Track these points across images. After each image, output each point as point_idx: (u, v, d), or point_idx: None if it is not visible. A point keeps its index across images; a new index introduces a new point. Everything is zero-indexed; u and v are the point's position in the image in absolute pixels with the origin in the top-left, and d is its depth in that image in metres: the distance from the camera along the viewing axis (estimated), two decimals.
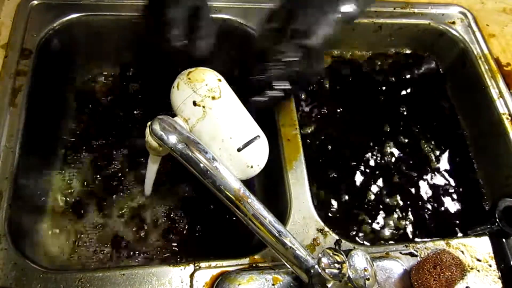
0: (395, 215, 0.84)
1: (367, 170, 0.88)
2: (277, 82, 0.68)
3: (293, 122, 0.77)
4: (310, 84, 0.88)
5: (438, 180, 0.90)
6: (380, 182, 0.87)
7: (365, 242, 0.80)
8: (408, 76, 1.00)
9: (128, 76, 0.92)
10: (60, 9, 0.81)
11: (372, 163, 0.90)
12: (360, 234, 0.81)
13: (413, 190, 0.88)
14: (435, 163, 0.92)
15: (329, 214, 0.82)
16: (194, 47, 0.70)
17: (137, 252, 0.75)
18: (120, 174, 0.81)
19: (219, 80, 0.61)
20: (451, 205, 0.87)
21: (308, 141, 0.88)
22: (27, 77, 0.73)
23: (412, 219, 0.84)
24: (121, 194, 0.80)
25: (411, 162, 0.91)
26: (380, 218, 0.83)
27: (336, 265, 0.50)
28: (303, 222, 0.67)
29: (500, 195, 0.79)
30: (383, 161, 0.90)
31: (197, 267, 0.60)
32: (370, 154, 0.90)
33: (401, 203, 0.86)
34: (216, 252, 0.77)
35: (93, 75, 0.92)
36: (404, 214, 0.85)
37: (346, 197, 0.85)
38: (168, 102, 0.62)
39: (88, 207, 0.78)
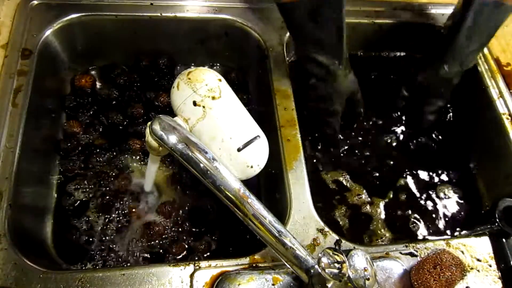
0: (395, 215, 0.84)
1: (367, 170, 0.89)
2: None
3: (293, 122, 0.77)
4: None
5: (439, 180, 0.90)
6: (379, 182, 0.88)
7: (365, 242, 0.80)
8: (407, 76, 1.00)
9: (129, 75, 0.92)
10: (60, 9, 0.81)
11: (371, 163, 0.90)
12: (361, 234, 0.81)
13: (412, 190, 0.88)
14: (435, 163, 0.91)
15: (330, 214, 0.82)
16: None
17: (137, 252, 0.75)
18: (119, 173, 0.81)
19: (219, 80, 0.61)
20: (451, 205, 0.87)
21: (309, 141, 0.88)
22: (27, 77, 0.73)
23: (412, 219, 0.84)
24: (120, 193, 0.80)
25: (411, 162, 0.91)
26: (380, 218, 0.83)
27: (336, 265, 0.50)
28: (303, 222, 0.67)
29: (500, 195, 0.79)
30: (382, 161, 0.90)
31: (197, 267, 0.60)
32: (369, 154, 0.91)
33: (401, 203, 0.86)
34: (216, 252, 0.77)
35: (93, 75, 0.92)
36: (404, 214, 0.85)
37: (346, 197, 0.85)
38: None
39: (88, 206, 0.78)
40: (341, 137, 0.89)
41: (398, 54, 1.01)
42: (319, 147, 0.87)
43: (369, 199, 0.85)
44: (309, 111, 0.82)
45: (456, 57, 0.80)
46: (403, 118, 0.95)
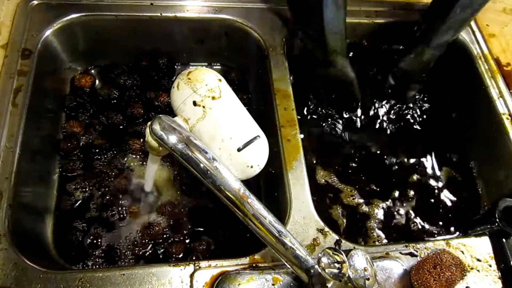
0: (395, 215, 0.84)
1: (367, 171, 0.89)
2: None
3: (293, 122, 0.77)
4: None
5: (438, 180, 0.90)
6: (379, 182, 0.87)
7: (365, 242, 0.80)
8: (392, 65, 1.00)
9: (129, 75, 0.92)
10: (60, 9, 0.81)
11: (371, 163, 0.90)
12: (361, 234, 0.81)
13: (413, 190, 0.88)
14: (435, 163, 0.92)
15: (329, 214, 0.82)
16: None
17: (137, 252, 0.75)
18: (119, 173, 0.81)
19: (219, 80, 0.61)
20: (451, 205, 0.87)
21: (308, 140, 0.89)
22: (27, 77, 0.73)
23: (413, 219, 0.84)
24: (120, 193, 0.80)
25: (411, 162, 0.91)
26: (380, 218, 0.83)
27: (336, 265, 0.50)
28: (303, 222, 0.67)
29: (500, 195, 0.79)
30: (382, 162, 0.90)
31: (197, 267, 0.60)
32: (368, 154, 0.90)
33: (401, 203, 0.86)
34: (216, 252, 0.77)
35: (93, 75, 0.92)
36: (404, 214, 0.85)
37: (346, 198, 0.85)
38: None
39: (88, 206, 0.78)
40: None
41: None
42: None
43: (368, 199, 0.85)
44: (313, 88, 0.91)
45: (437, 42, 0.84)
46: (404, 118, 0.95)
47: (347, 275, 0.50)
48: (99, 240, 0.75)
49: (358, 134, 0.92)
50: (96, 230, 0.76)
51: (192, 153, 0.53)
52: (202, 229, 0.78)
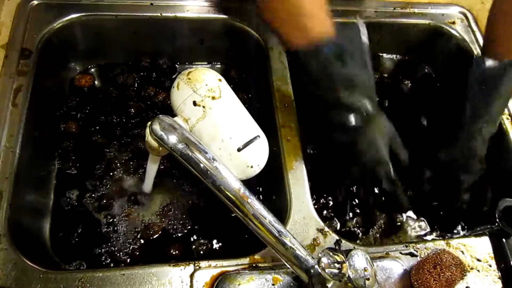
0: (395, 215, 0.84)
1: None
2: None
3: (293, 122, 0.77)
4: None
5: (438, 180, 0.89)
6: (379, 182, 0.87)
7: (365, 242, 0.80)
8: (407, 76, 1.01)
9: (129, 75, 0.92)
10: (60, 9, 0.82)
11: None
12: (360, 234, 0.81)
13: (413, 190, 0.87)
14: (435, 163, 0.91)
15: (329, 213, 0.82)
16: None
17: (136, 252, 0.75)
18: (119, 173, 0.81)
19: (219, 80, 0.61)
20: (451, 205, 0.87)
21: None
22: (27, 77, 0.73)
23: (412, 219, 0.84)
24: (119, 193, 0.80)
25: (411, 162, 0.91)
26: (380, 217, 0.83)
27: (336, 265, 0.50)
28: (303, 222, 0.67)
29: (500, 195, 0.79)
30: None
31: (197, 267, 0.60)
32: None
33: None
34: (216, 252, 0.77)
35: (93, 75, 0.92)
36: (404, 213, 0.85)
37: (346, 196, 0.85)
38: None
39: (88, 206, 0.78)
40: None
41: (397, 57, 1.02)
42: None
43: (369, 198, 0.85)
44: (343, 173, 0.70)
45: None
46: (404, 116, 0.95)
47: (347, 275, 0.50)
48: (99, 240, 0.75)
49: None
50: (95, 230, 0.76)
51: (192, 153, 0.53)
52: (202, 229, 0.78)
